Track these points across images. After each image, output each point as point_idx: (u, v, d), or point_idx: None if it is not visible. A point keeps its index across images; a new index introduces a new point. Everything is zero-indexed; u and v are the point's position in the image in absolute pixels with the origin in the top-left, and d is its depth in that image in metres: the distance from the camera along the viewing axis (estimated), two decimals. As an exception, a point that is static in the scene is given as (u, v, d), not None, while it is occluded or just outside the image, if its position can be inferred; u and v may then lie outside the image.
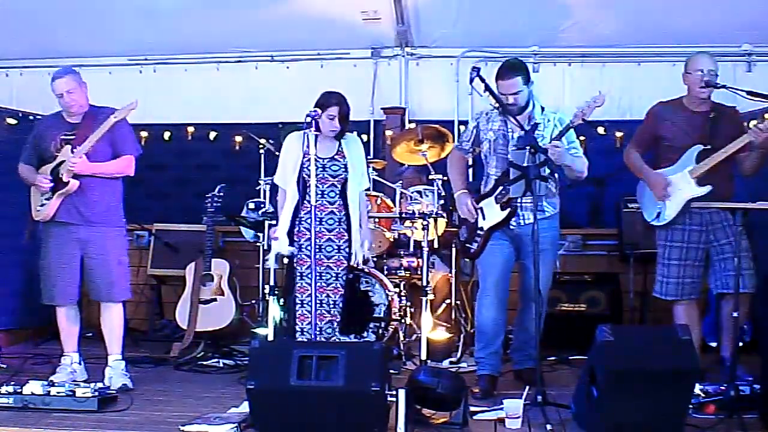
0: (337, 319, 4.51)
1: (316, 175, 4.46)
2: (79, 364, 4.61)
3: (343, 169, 4.55)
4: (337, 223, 4.55)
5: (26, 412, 3.79)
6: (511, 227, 4.42)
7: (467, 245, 4.58)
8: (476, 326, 4.60)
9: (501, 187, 4.38)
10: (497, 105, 4.36)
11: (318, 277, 4.46)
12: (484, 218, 4.48)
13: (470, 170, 5.80)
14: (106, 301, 4.59)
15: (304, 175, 4.43)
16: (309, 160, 4.34)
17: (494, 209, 4.44)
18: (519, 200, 4.34)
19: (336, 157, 4.55)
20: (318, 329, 4.44)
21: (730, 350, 4.22)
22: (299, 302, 4.48)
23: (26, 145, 4.69)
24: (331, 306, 4.50)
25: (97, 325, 4.79)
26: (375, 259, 5.56)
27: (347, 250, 4.56)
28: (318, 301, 4.46)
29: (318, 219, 4.49)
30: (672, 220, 4.37)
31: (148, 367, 5.16)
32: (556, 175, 4.44)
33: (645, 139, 4.55)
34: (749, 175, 4.37)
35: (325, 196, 4.53)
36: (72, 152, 4.41)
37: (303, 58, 6.57)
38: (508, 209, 4.37)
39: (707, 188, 4.26)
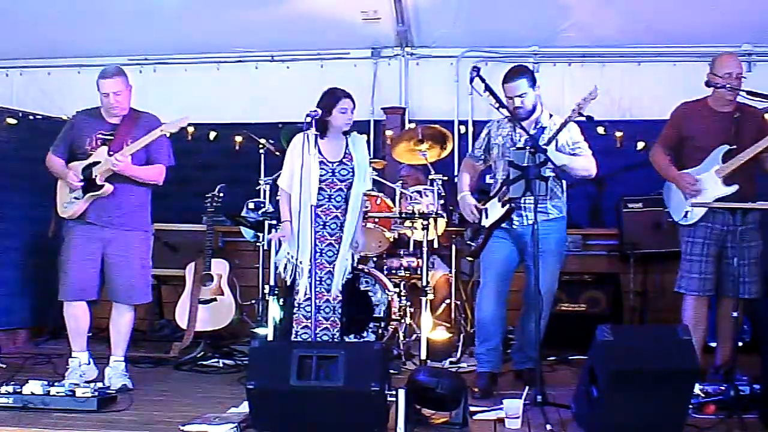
0: (338, 325, 4.47)
1: (324, 179, 4.42)
2: (88, 363, 4.53)
3: (351, 173, 4.49)
4: (339, 229, 4.49)
5: (26, 412, 3.78)
6: (514, 226, 4.43)
7: (469, 243, 4.61)
8: (476, 321, 4.62)
9: (505, 187, 4.40)
10: (498, 105, 4.38)
11: (318, 282, 4.37)
12: (487, 217, 4.50)
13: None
14: (124, 302, 4.51)
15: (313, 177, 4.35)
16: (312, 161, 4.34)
17: (496, 207, 4.46)
18: (522, 200, 4.34)
19: (344, 160, 4.49)
20: (319, 336, 4.37)
21: (728, 351, 4.23)
22: (302, 306, 4.43)
23: (59, 137, 4.58)
24: (330, 311, 4.46)
25: (98, 325, 4.78)
26: (375, 259, 5.56)
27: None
28: (316, 307, 4.37)
29: (322, 223, 4.43)
30: (696, 220, 4.38)
31: (148, 367, 5.16)
32: (563, 181, 4.46)
33: (670, 139, 4.54)
34: None
35: (332, 200, 4.46)
36: (109, 154, 4.35)
37: (303, 58, 6.58)
38: (508, 205, 4.37)
39: (734, 187, 4.25)
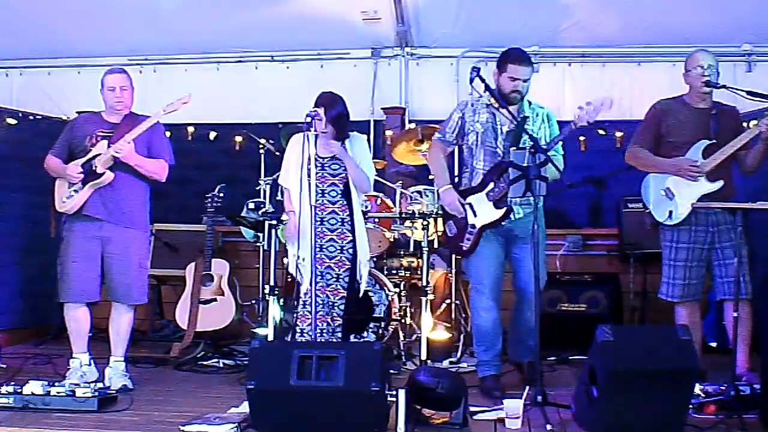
0: (339, 321, 4.48)
1: (316, 174, 4.45)
2: (89, 365, 4.53)
3: (343, 169, 4.53)
4: (340, 224, 4.52)
5: (26, 412, 3.78)
6: (502, 223, 4.39)
7: (458, 243, 4.49)
8: (477, 329, 4.50)
9: (492, 184, 4.36)
10: (498, 106, 4.34)
11: (319, 277, 4.42)
12: (475, 215, 4.41)
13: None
14: (122, 301, 4.51)
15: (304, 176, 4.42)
16: (308, 160, 4.35)
17: (487, 207, 4.37)
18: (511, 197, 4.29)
19: (337, 156, 4.53)
20: (319, 330, 4.39)
21: (744, 356, 4.22)
22: (302, 302, 4.45)
23: (59, 140, 4.59)
24: (330, 307, 4.48)
25: (98, 326, 4.78)
26: (375, 259, 5.56)
27: (350, 251, 4.52)
28: (316, 302, 4.40)
29: (320, 219, 4.47)
30: (681, 220, 4.30)
31: (148, 367, 5.16)
32: None
33: (648, 136, 4.45)
34: (750, 172, 4.35)
35: (326, 195, 4.51)
36: (108, 146, 4.36)
37: (303, 58, 6.58)
38: (504, 208, 4.33)
39: (719, 183, 4.21)
